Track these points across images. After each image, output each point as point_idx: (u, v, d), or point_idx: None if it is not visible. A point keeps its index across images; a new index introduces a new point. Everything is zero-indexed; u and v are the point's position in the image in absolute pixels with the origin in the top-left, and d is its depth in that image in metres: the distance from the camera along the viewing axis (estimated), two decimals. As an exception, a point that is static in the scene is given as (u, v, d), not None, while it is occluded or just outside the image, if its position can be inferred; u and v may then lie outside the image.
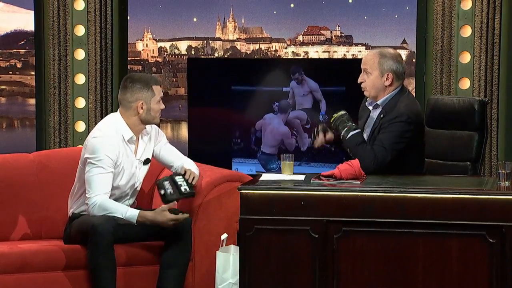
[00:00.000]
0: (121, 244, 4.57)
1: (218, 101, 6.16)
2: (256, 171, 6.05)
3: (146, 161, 4.76)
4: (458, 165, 4.90)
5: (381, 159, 4.49)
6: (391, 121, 4.56)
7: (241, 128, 6.13)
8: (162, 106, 4.70)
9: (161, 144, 4.82)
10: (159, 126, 4.85)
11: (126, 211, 4.51)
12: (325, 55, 6.63)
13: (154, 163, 4.88)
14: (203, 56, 6.66)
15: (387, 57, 4.66)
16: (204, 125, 6.20)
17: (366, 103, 4.79)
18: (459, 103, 4.99)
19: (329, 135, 4.79)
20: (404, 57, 6.42)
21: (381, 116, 4.65)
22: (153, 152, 4.81)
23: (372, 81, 4.67)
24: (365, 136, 4.72)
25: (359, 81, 4.72)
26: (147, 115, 4.64)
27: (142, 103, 4.62)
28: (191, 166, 4.77)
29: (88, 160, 4.55)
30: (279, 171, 5.94)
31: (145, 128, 4.73)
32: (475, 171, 4.87)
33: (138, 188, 4.78)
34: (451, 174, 4.79)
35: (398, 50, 6.19)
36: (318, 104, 5.99)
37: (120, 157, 4.60)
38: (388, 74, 4.65)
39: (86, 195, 4.55)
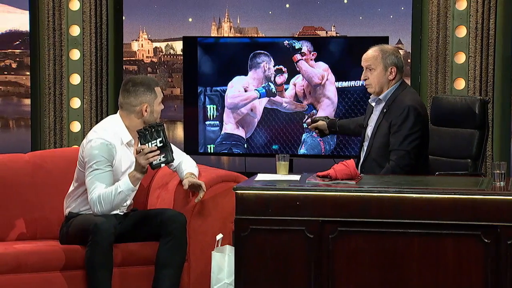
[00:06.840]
0: (116, 244, 4.56)
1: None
2: None
3: None
4: (460, 162, 4.99)
5: (405, 162, 4.68)
6: (400, 117, 4.69)
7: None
8: (162, 107, 4.75)
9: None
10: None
11: (120, 186, 4.51)
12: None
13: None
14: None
15: (388, 52, 4.81)
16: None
17: (369, 100, 4.88)
18: (461, 102, 5.10)
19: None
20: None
21: (384, 110, 4.72)
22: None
23: (376, 77, 4.79)
24: (369, 131, 4.80)
25: (362, 78, 4.82)
26: (151, 117, 4.68)
27: (146, 106, 4.65)
28: (189, 163, 4.79)
29: (87, 165, 4.57)
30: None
31: None
32: (475, 168, 4.95)
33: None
34: (452, 172, 4.86)
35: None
36: None
37: (117, 160, 4.61)
38: (391, 68, 4.79)
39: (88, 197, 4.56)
